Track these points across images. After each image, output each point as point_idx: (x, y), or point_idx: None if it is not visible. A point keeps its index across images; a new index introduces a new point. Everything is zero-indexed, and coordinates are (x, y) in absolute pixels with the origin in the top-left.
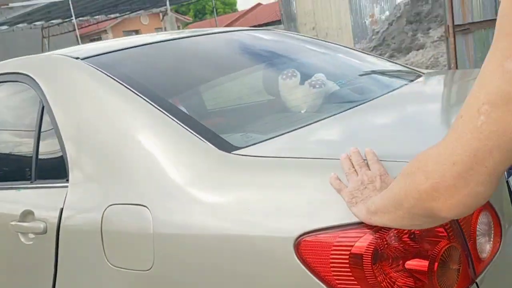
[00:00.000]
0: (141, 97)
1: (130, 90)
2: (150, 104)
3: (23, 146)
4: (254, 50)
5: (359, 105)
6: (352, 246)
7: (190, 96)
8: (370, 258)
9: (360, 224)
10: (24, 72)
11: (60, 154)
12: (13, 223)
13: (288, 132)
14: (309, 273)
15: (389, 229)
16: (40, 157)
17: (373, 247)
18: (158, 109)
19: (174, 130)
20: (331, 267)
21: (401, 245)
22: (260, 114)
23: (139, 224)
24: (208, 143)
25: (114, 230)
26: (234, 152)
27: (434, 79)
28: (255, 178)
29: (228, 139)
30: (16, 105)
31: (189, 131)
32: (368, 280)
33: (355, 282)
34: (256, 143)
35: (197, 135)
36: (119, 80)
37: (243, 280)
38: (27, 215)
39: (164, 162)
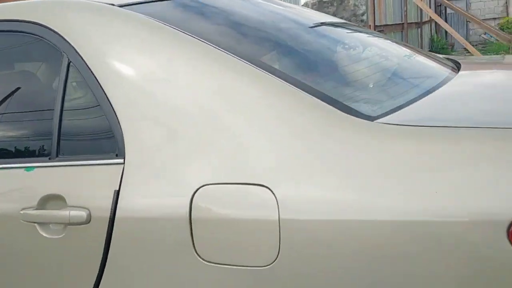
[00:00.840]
0: (235, 56)
1: (215, 47)
2: (246, 63)
3: (32, 114)
4: (304, 21)
5: (454, 75)
6: None
7: (276, 57)
8: None
9: None
10: (40, 22)
11: (104, 123)
12: (24, 211)
13: (413, 101)
14: None
15: None
16: (65, 127)
17: None
18: (258, 69)
19: (288, 93)
20: None
21: None
22: (355, 82)
23: (257, 208)
24: (339, 110)
25: (211, 218)
26: (377, 121)
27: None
28: (427, 150)
29: (353, 107)
30: (21, 62)
31: (310, 95)
32: None
33: None
34: (390, 112)
35: (320, 100)
36: (192, 35)
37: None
38: (50, 201)
39: (288, 131)
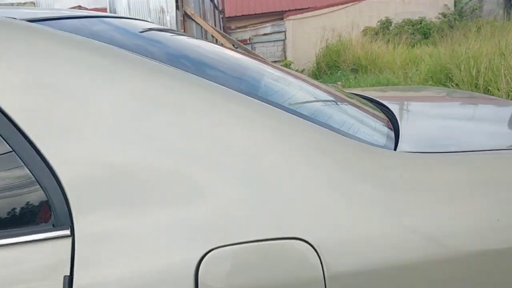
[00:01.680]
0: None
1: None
2: (244, 96)
3: None
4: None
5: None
6: None
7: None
8: None
9: None
10: None
11: (23, 175)
12: None
13: (397, 128)
14: None
15: None
16: None
17: None
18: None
19: (299, 126)
20: None
21: None
22: (338, 112)
23: (293, 268)
24: (358, 141)
25: None
26: (400, 150)
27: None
28: (467, 178)
29: (360, 136)
30: None
31: (321, 127)
32: None
33: None
34: (391, 140)
35: (334, 132)
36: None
37: None
38: None
39: (314, 171)
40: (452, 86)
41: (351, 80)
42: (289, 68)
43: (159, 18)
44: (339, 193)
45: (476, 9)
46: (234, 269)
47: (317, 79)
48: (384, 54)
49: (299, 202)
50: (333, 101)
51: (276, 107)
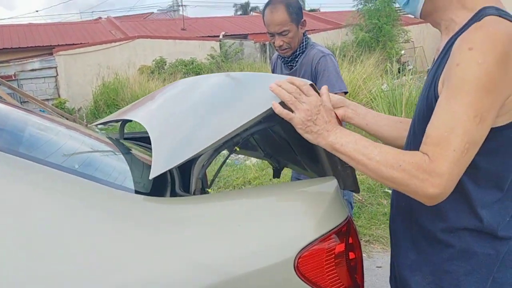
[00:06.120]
0: None
1: None
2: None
3: None
4: None
5: None
6: None
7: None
8: None
9: None
10: None
11: None
12: None
13: None
14: None
15: None
16: None
17: None
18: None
19: (54, 176)
20: None
21: None
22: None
23: None
24: (116, 189)
25: None
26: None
27: None
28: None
29: (125, 185)
30: None
31: (83, 178)
32: None
33: None
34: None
35: (96, 182)
36: None
37: None
38: None
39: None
40: None
41: None
42: (64, 106)
43: None
44: (114, 240)
45: (238, 51)
46: None
47: (96, 118)
48: None
49: (76, 254)
50: (101, 150)
51: (40, 163)
